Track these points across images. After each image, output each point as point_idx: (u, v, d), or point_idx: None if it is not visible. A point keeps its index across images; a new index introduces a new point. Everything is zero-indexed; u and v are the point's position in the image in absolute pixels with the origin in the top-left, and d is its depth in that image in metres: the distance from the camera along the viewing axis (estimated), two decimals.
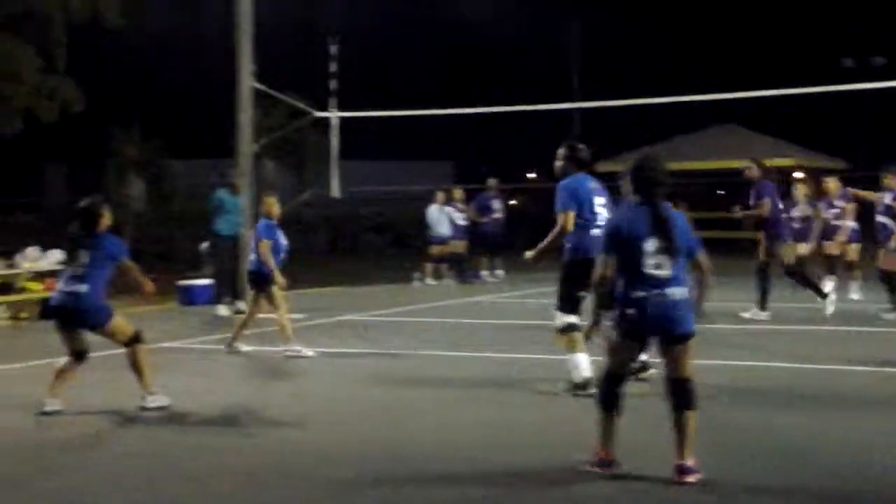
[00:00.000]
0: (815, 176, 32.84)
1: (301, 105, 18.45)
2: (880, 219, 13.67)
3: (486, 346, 11.89)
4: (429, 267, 20.90)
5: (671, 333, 6.05)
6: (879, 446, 6.91)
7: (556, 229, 8.85)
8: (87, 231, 8.63)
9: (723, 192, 33.57)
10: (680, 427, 6.02)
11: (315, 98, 18.91)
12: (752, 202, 14.01)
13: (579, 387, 8.63)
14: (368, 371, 10.31)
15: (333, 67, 16.97)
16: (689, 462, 5.98)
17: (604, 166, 32.00)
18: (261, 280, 11.55)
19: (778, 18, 49.32)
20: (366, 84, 35.33)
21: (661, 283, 6.01)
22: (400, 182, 36.11)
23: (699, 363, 6.37)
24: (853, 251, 16.48)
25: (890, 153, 41.52)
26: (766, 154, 29.39)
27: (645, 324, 6.06)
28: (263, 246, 11.46)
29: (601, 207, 8.83)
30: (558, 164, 9.19)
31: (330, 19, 32.49)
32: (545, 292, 18.94)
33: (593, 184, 9.02)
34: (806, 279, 14.04)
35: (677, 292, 6.02)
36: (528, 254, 9.21)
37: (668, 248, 6.03)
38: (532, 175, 47.63)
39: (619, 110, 33.97)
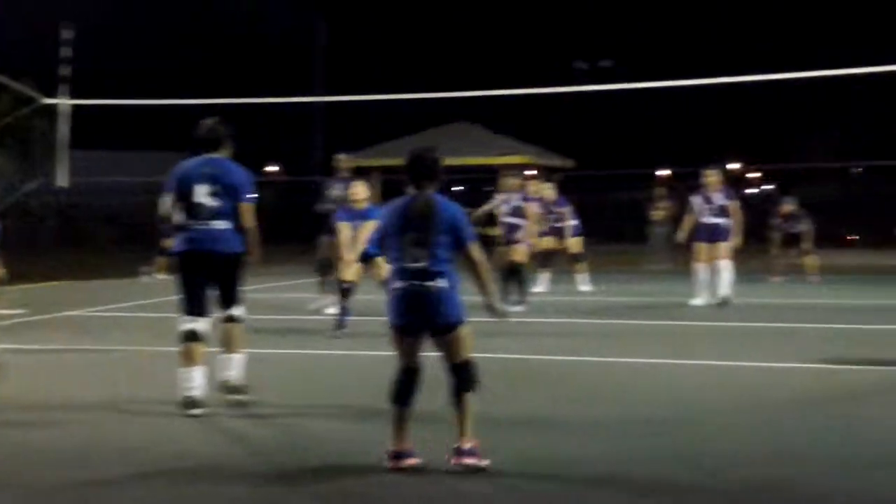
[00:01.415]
0: (546, 173, 34.43)
1: (29, 91, 17.67)
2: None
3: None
4: (162, 261, 20.13)
5: (434, 325, 6.06)
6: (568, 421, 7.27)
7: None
8: None
9: (461, 189, 34.41)
10: (458, 409, 6.04)
11: (45, 84, 18.14)
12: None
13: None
14: (76, 368, 9.88)
15: (66, 53, 16.33)
16: (467, 444, 5.97)
17: (346, 162, 32.25)
18: None
19: (514, 22, 51.06)
20: (105, 72, 34.13)
21: (419, 274, 6.01)
22: (139, 173, 35.09)
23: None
24: (575, 244, 17.45)
25: (616, 152, 43.82)
26: (503, 152, 30.60)
27: (405, 315, 6.08)
28: None
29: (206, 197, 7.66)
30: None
31: (64, 3, 31.18)
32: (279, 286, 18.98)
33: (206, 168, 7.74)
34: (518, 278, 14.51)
35: (438, 284, 6.02)
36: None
37: (425, 241, 6.01)
38: (273, 168, 47.45)
39: (362, 105, 34.43)
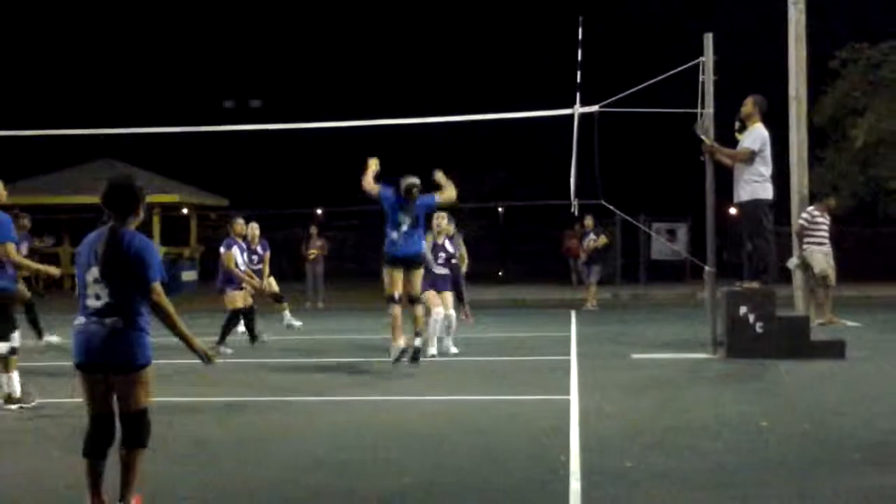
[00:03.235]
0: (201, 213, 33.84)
1: None
2: None
3: None
4: None
5: (113, 364, 5.67)
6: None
7: None
8: None
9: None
10: (125, 465, 5.72)
11: None
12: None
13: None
14: None
15: None
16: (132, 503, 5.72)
17: None
18: None
19: (164, 58, 49.94)
20: None
21: (98, 312, 5.67)
22: None
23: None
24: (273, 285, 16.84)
25: (267, 190, 43.76)
26: (150, 190, 29.69)
27: (82, 353, 5.70)
28: None
29: None
30: None
31: None
32: None
33: None
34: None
35: (116, 322, 5.65)
36: None
37: (106, 276, 5.67)
38: None
39: None
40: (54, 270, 10.65)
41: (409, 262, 11.94)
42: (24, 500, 6.46)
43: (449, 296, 13.73)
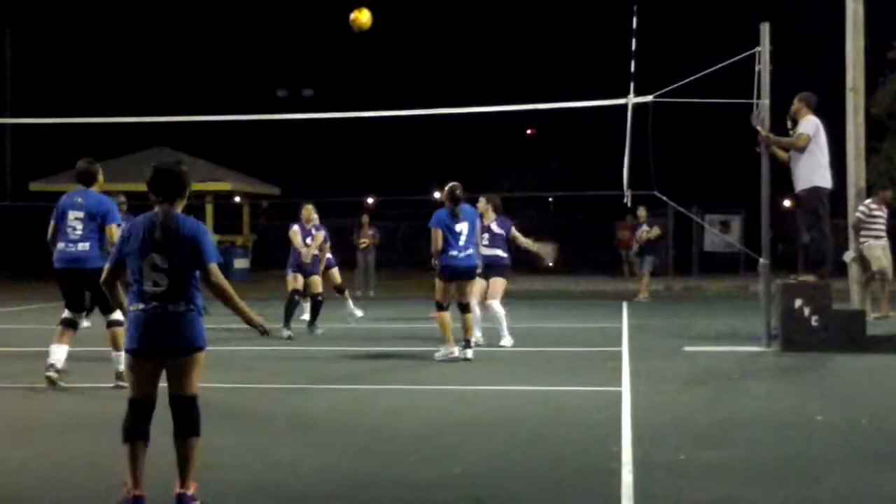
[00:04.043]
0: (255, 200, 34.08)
1: None
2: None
3: None
4: None
5: (170, 349, 5.73)
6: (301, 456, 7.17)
7: None
8: None
9: None
10: (182, 455, 5.74)
11: None
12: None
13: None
14: None
15: None
16: (191, 490, 5.72)
17: (35, 186, 30.67)
18: None
19: (218, 47, 50.32)
20: None
21: (157, 297, 5.71)
22: None
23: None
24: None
25: (318, 179, 44.02)
26: (204, 178, 29.97)
27: (140, 339, 5.73)
28: None
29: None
30: None
31: None
32: None
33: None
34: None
35: (177, 306, 5.70)
36: None
37: (165, 262, 5.71)
38: None
39: (53, 128, 32.79)
40: None
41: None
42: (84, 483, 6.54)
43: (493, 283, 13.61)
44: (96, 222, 9.86)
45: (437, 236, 11.99)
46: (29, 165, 36.89)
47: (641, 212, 22.05)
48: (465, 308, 12.21)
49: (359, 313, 16.74)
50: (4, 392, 9.97)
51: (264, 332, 6.09)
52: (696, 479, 6.46)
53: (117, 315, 9.59)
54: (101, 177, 10.10)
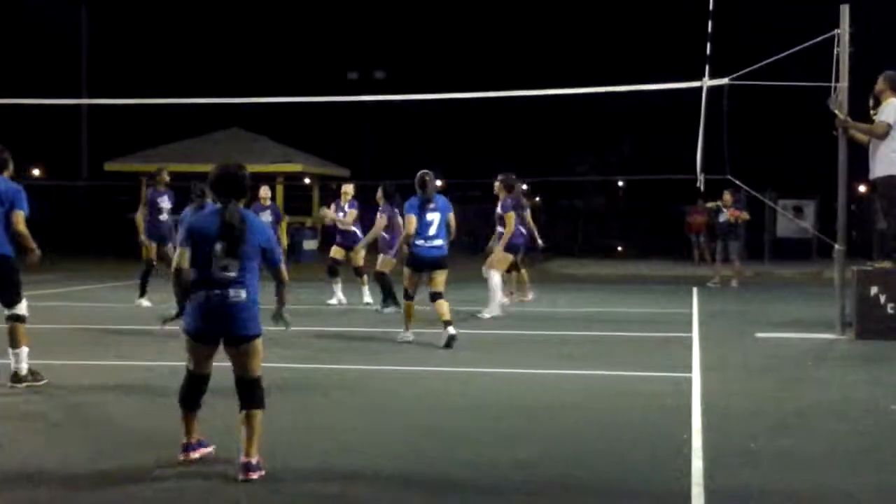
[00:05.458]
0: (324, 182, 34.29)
1: None
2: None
3: None
4: None
5: (231, 334, 6.17)
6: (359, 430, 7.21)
7: None
8: None
9: None
10: (247, 425, 6.10)
11: None
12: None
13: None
14: None
15: None
16: (255, 459, 6.03)
17: (110, 166, 31.17)
18: None
19: (289, 29, 50.65)
20: None
21: (224, 284, 6.12)
22: None
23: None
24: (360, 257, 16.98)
25: (389, 163, 44.15)
26: (276, 159, 30.23)
27: (203, 324, 6.17)
28: None
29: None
30: None
31: None
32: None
33: None
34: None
35: (240, 294, 6.14)
36: None
37: (234, 251, 6.13)
38: (36, 171, 45.15)
39: (128, 109, 33.30)
40: None
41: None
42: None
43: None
44: (4, 207, 9.05)
45: (411, 221, 11.78)
46: (104, 146, 37.48)
47: (727, 196, 21.49)
48: (434, 297, 11.99)
49: (368, 299, 16.54)
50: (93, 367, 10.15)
51: (285, 326, 6.58)
52: (767, 467, 6.38)
53: (21, 309, 9.06)
54: (11, 165, 9.25)
